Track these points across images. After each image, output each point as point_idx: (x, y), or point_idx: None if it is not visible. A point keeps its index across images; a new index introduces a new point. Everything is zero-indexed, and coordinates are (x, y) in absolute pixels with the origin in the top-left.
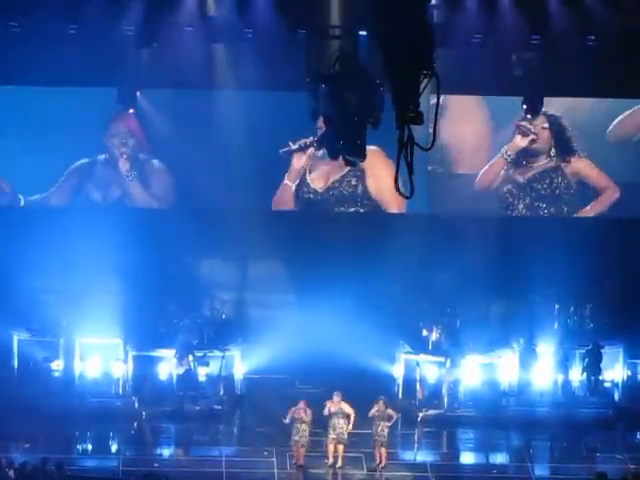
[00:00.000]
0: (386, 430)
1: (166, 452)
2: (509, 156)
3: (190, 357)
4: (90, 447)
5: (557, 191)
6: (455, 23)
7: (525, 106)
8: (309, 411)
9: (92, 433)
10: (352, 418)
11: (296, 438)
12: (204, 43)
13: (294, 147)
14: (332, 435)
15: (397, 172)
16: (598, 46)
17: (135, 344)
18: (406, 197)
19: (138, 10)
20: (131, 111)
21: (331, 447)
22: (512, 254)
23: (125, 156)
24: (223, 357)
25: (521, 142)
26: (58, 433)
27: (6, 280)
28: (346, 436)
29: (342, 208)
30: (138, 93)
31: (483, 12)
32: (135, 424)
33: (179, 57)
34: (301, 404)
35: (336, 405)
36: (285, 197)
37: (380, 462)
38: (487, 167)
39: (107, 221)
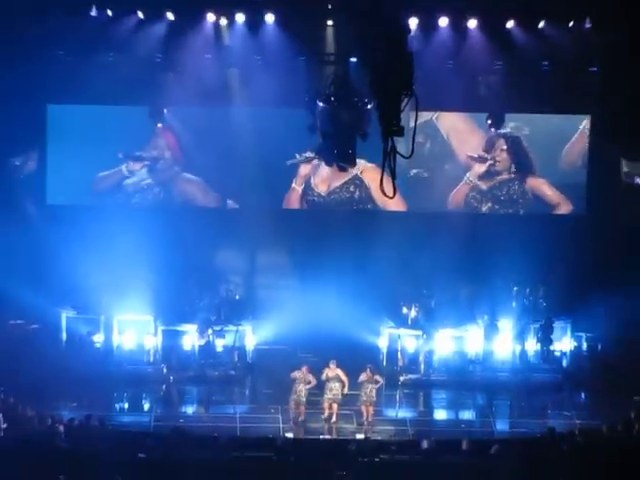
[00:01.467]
0: (374, 392)
1: (190, 410)
2: (472, 181)
3: (209, 331)
4: (126, 406)
5: (514, 196)
6: (430, 51)
7: (489, 121)
8: (310, 376)
9: (128, 394)
10: (346, 383)
11: (294, 397)
12: (220, 67)
13: (300, 159)
14: (329, 396)
15: (382, 176)
16: (551, 70)
17: (164, 320)
18: (389, 197)
19: (165, 40)
20: (159, 125)
21: (327, 405)
22: (478, 245)
23: (160, 165)
24: (237, 331)
25: (479, 169)
26: (100, 394)
27: (57, 268)
28: (341, 397)
29: (342, 209)
30: (165, 110)
31: (454, 41)
32: (164, 387)
33: (200, 79)
34: (303, 369)
35: (333, 371)
36: (293, 199)
37: (367, 418)
38: (455, 191)
39: (141, 219)
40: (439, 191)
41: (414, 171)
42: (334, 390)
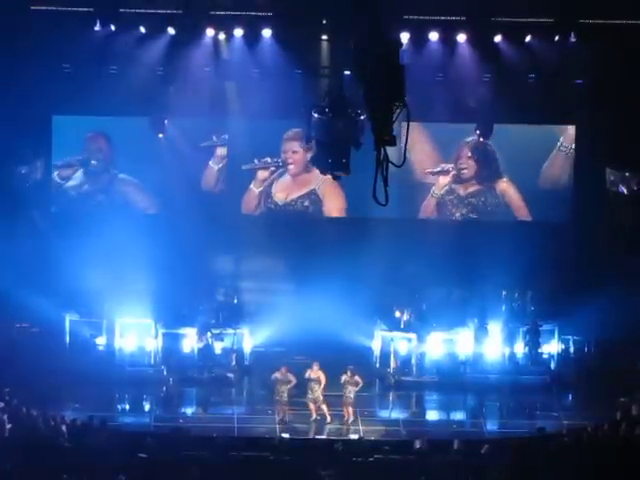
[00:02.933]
0: (353, 393)
1: (189, 411)
2: (437, 194)
3: (208, 334)
4: (127, 407)
5: (489, 208)
6: (422, 63)
7: (478, 131)
8: (290, 375)
9: (129, 396)
10: (323, 384)
11: (277, 398)
12: (219, 80)
13: (257, 164)
14: (310, 396)
15: (375, 184)
16: (537, 82)
17: (164, 324)
18: (382, 205)
19: (166, 54)
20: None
21: (312, 406)
22: (468, 251)
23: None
24: (235, 334)
25: (444, 180)
26: (102, 396)
27: (61, 273)
28: (321, 397)
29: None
30: (166, 121)
31: (444, 54)
32: (164, 388)
33: (199, 91)
34: (282, 369)
35: (315, 373)
36: (250, 200)
37: (347, 418)
38: (424, 205)
39: (142, 226)
40: (410, 200)
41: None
42: (314, 391)
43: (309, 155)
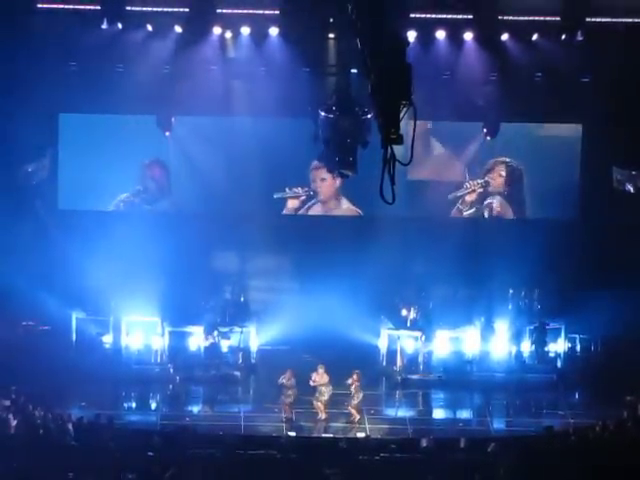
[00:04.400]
0: (360, 395)
1: (195, 409)
2: (460, 209)
3: (215, 332)
4: (134, 405)
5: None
6: (428, 62)
7: (485, 130)
8: (293, 380)
9: (136, 394)
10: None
11: (286, 400)
12: (226, 78)
13: (288, 193)
14: (321, 398)
15: (382, 182)
16: (544, 81)
17: (171, 322)
18: (389, 203)
19: (173, 52)
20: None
21: (320, 405)
22: (475, 250)
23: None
24: (241, 332)
25: (469, 198)
26: (108, 394)
27: (68, 271)
28: (328, 399)
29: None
30: (173, 119)
31: (451, 53)
32: (170, 386)
33: (206, 90)
34: (287, 374)
35: (321, 376)
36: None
37: (354, 419)
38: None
39: (149, 224)
40: (440, 197)
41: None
42: (323, 394)
43: (338, 182)
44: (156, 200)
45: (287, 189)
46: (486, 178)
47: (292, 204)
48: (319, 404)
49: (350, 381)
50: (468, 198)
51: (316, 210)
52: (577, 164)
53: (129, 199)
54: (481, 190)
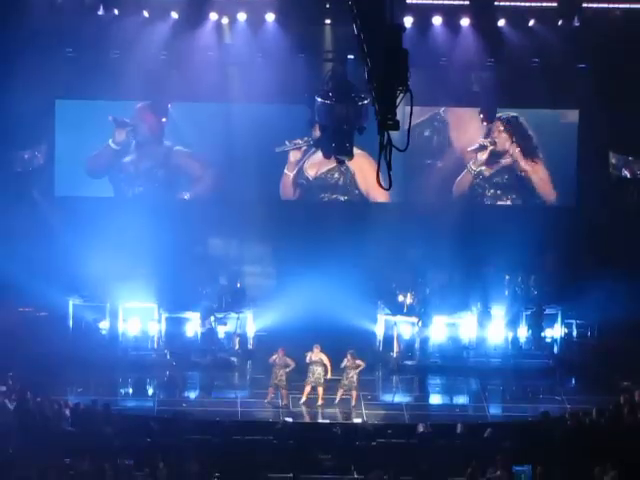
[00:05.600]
0: (355, 377)
1: (192, 395)
2: (474, 169)
3: (211, 318)
4: (131, 391)
5: (513, 183)
6: (425, 48)
7: (481, 115)
8: (287, 359)
9: (132, 380)
10: (329, 367)
11: (275, 382)
12: (222, 64)
13: (289, 146)
14: (311, 379)
15: (378, 169)
16: (541, 66)
17: (167, 308)
18: (386, 189)
19: (169, 38)
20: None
21: (307, 388)
22: (471, 235)
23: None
24: (238, 318)
25: (481, 156)
26: (105, 380)
27: (65, 257)
28: (323, 380)
29: (325, 195)
30: (169, 105)
31: (447, 39)
32: (167, 372)
33: (202, 76)
34: (279, 352)
35: (316, 355)
36: (286, 185)
37: (354, 403)
38: (459, 179)
39: (145, 210)
40: (441, 180)
41: (415, 161)
42: (316, 374)
43: None
44: (148, 142)
45: (287, 142)
46: (492, 139)
47: (294, 157)
48: (308, 387)
49: (345, 362)
50: (480, 156)
51: (317, 158)
52: (574, 149)
53: (121, 138)
54: (492, 147)
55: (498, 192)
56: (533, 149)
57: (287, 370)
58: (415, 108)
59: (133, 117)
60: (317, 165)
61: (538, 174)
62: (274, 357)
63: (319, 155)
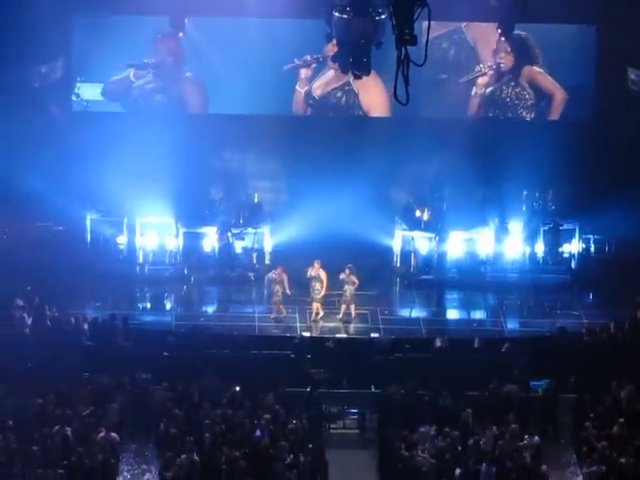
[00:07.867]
0: (348, 293)
1: (210, 310)
2: (477, 93)
3: (229, 233)
4: (149, 305)
5: (513, 96)
6: None
7: (499, 30)
8: (285, 275)
9: (150, 294)
10: (325, 284)
11: (274, 298)
12: None
13: (298, 63)
14: (313, 295)
15: (396, 83)
16: None
17: (185, 223)
18: (403, 104)
19: None
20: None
21: (315, 305)
22: (488, 151)
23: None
24: (255, 233)
25: (482, 81)
26: (123, 294)
27: (82, 172)
28: (319, 296)
29: (332, 113)
30: (186, 20)
31: None
32: (185, 287)
33: None
34: (278, 269)
35: (315, 271)
36: (298, 101)
37: (342, 316)
38: (472, 97)
39: (162, 124)
40: (458, 96)
41: (433, 75)
42: (315, 290)
43: None
44: (170, 76)
45: (295, 60)
46: (497, 60)
47: (305, 74)
48: (315, 303)
49: (342, 275)
50: (481, 81)
51: (326, 76)
52: (592, 65)
53: (140, 74)
54: (492, 72)
55: (513, 108)
56: (545, 67)
57: (284, 285)
58: (433, 23)
59: (153, 47)
60: (323, 85)
61: (552, 90)
62: (272, 274)
63: (326, 75)
